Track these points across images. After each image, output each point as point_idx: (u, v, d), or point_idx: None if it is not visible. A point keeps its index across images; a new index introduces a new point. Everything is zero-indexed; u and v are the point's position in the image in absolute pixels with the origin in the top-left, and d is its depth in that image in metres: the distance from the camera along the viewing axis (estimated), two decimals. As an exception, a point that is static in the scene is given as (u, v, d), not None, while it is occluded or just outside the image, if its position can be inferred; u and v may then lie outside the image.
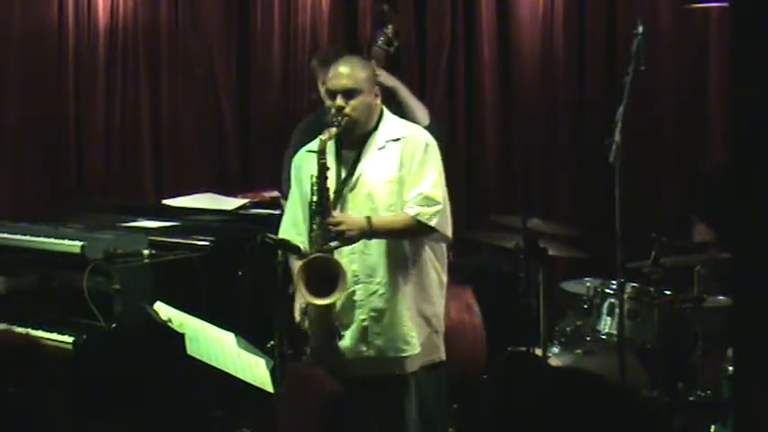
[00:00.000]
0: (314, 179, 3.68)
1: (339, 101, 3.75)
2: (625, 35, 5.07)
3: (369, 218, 3.68)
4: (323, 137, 3.69)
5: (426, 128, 4.42)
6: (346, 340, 3.79)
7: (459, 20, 6.16)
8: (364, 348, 3.79)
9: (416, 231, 3.75)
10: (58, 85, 6.84)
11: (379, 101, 3.87)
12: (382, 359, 3.79)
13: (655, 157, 5.79)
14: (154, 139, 6.80)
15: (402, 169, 3.77)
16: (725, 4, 5.21)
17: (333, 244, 3.65)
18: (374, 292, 3.78)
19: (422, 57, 6.23)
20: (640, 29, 4.23)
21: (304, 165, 3.87)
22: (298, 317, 3.80)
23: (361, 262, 3.77)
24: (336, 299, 3.65)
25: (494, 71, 6.10)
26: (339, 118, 3.73)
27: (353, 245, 3.74)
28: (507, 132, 6.13)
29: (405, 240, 3.80)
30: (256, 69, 6.66)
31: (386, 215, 3.75)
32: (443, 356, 3.92)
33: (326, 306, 3.69)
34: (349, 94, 3.76)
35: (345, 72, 3.80)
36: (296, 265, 3.82)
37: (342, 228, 3.63)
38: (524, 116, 6.07)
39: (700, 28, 5.72)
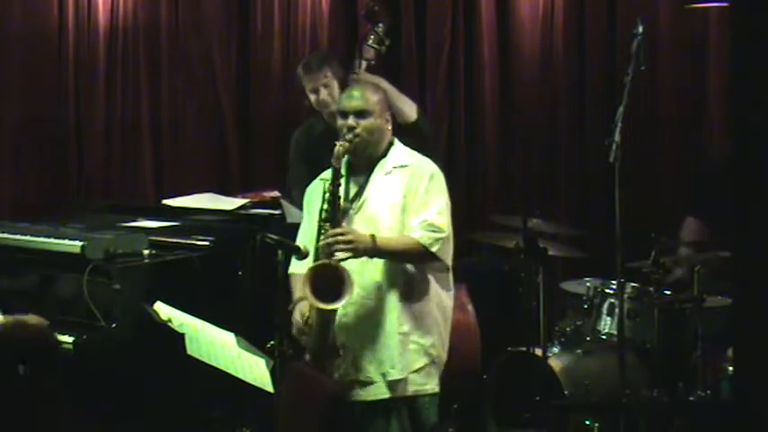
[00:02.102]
0: (327, 186, 3.72)
1: (351, 121, 3.80)
2: (625, 35, 5.07)
3: (373, 236, 3.69)
4: (339, 144, 3.73)
5: (414, 122, 4.42)
6: (337, 362, 3.78)
7: (459, 20, 6.17)
8: (352, 371, 3.78)
9: (418, 255, 3.76)
10: (58, 85, 6.84)
11: (389, 127, 3.90)
12: (370, 382, 3.78)
13: (655, 157, 5.79)
14: (154, 139, 6.80)
15: (406, 197, 3.79)
16: (725, 4, 5.22)
17: (338, 255, 3.66)
18: (367, 315, 3.77)
19: (422, 57, 6.23)
20: (640, 29, 4.24)
21: (315, 192, 3.90)
22: (298, 325, 3.79)
23: (360, 284, 3.76)
24: (343, 304, 3.65)
25: (494, 71, 6.10)
26: (350, 136, 3.78)
27: (353, 266, 3.74)
28: (507, 132, 6.13)
29: (406, 267, 3.80)
30: (256, 69, 6.66)
31: (390, 236, 3.76)
32: (438, 388, 3.88)
33: (329, 314, 3.69)
34: (360, 114, 3.80)
35: (357, 94, 3.87)
36: (296, 279, 3.82)
37: (350, 237, 3.65)
38: (524, 116, 6.07)
39: (700, 28, 5.73)
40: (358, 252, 3.68)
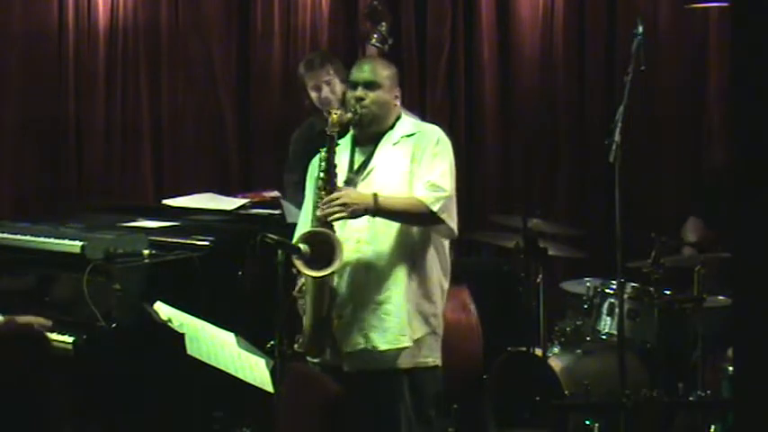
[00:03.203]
0: (323, 153, 3.72)
1: (359, 92, 3.81)
2: (625, 35, 5.07)
3: (375, 194, 3.69)
4: (335, 113, 3.73)
5: None
6: (341, 330, 3.79)
7: (459, 20, 6.17)
8: (361, 341, 3.79)
9: (420, 215, 3.74)
10: (58, 85, 6.84)
11: (398, 103, 3.91)
12: (375, 352, 3.78)
13: (655, 157, 5.79)
14: (154, 139, 6.80)
15: (414, 162, 3.80)
16: (725, 4, 5.22)
17: (336, 216, 3.65)
18: (374, 283, 3.78)
19: (422, 57, 6.24)
20: (640, 29, 4.24)
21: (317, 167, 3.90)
22: (296, 294, 3.80)
23: (364, 252, 3.77)
24: (332, 271, 3.65)
25: (494, 71, 6.11)
26: (357, 107, 3.78)
27: (362, 236, 3.75)
28: (507, 132, 6.13)
29: (411, 235, 3.80)
30: (256, 69, 6.66)
31: (392, 195, 3.76)
32: (439, 361, 3.89)
33: (323, 281, 3.69)
34: (369, 86, 3.81)
35: (368, 67, 3.88)
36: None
37: (345, 200, 3.65)
38: (524, 116, 6.07)
39: (700, 28, 5.73)
40: (356, 212, 3.67)
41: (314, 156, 3.95)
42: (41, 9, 6.80)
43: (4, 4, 6.72)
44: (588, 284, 5.09)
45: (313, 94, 4.67)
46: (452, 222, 3.80)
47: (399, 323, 3.79)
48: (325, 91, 4.62)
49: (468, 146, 6.16)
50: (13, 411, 2.28)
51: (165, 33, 6.76)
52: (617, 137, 4.07)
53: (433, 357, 3.88)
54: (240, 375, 3.66)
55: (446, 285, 3.95)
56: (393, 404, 3.80)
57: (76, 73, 6.83)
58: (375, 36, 4.59)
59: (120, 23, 6.78)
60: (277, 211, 4.92)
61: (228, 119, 6.67)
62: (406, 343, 3.79)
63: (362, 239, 3.77)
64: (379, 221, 3.76)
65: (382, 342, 3.78)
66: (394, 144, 3.84)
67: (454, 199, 3.80)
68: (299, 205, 4.14)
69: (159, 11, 6.76)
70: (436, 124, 4.01)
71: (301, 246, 3.71)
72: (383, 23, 4.63)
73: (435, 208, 3.73)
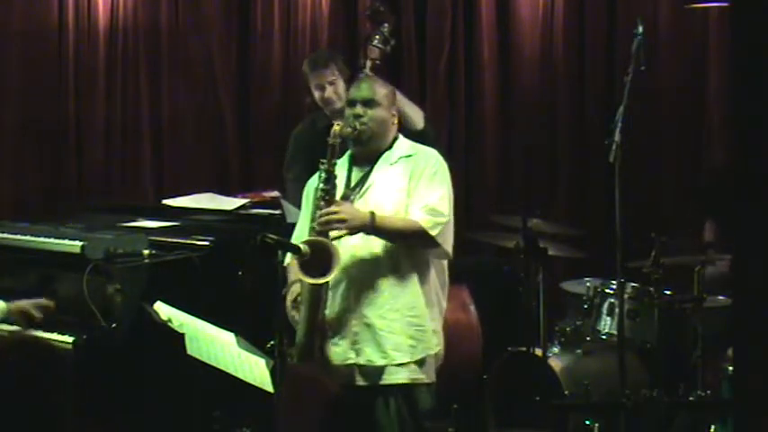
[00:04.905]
0: (324, 166, 3.72)
1: (358, 108, 3.82)
2: (625, 35, 5.07)
3: (373, 213, 3.69)
4: (338, 124, 3.76)
5: (421, 131, 4.43)
6: (335, 346, 3.79)
7: (459, 20, 6.17)
8: (352, 356, 3.78)
9: (417, 238, 3.74)
10: (58, 85, 6.84)
11: (395, 122, 3.92)
12: (369, 367, 3.78)
13: (655, 157, 5.79)
14: (154, 139, 6.80)
15: (411, 182, 3.80)
16: (725, 4, 5.22)
17: (333, 234, 3.66)
18: (370, 301, 3.77)
19: (422, 57, 6.23)
20: (640, 29, 4.24)
21: (315, 184, 3.90)
22: (289, 306, 3.79)
23: (360, 266, 3.77)
24: (329, 279, 3.65)
25: (494, 71, 6.11)
26: (356, 123, 3.78)
27: (358, 251, 3.75)
28: (507, 132, 6.13)
29: (408, 253, 3.79)
30: (256, 69, 6.66)
31: (390, 215, 3.76)
32: (434, 378, 3.88)
33: (318, 292, 3.68)
34: (368, 103, 3.83)
35: (366, 85, 3.92)
36: (291, 271, 3.81)
37: (342, 216, 3.64)
38: (524, 116, 6.07)
39: (700, 28, 5.73)
40: (353, 228, 3.68)
41: (317, 150, 3.95)
42: (41, 8, 6.80)
43: (4, 4, 6.72)
44: (588, 284, 5.09)
45: (316, 93, 4.67)
46: (448, 247, 3.81)
47: (396, 341, 3.78)
48: (329, 91, 4.62)
49: (468, 146, 6.16)
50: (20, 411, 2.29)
51: (165, 33, 6.76)
52: (617, 137, 4.07)
53: (429, 375, 3.86)
54: (240, 375, 3.66)
55: (444, 304, 3.94)
56: (387, 418, 3.78)
57: (76, 73, 6.83)
58: (377, 37, 4.59)
59: (120, 23, 6.78)
60: (277, 211, 4.92)
61: (228, 119, 6.67)
62: (402, 359, 3.78)
63: (359, 254, 3.77)
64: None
65: (377, 358, 3.78)
66: (391, 164, 3.85)
67: (452, 224, 3.81)
68: (300, 203, 4.14)
69: (159, 11, 6.76)
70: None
71: (302, 246, 3.71)
72: (385, 24, 4.62)
73: (434, 233, 3.73)
